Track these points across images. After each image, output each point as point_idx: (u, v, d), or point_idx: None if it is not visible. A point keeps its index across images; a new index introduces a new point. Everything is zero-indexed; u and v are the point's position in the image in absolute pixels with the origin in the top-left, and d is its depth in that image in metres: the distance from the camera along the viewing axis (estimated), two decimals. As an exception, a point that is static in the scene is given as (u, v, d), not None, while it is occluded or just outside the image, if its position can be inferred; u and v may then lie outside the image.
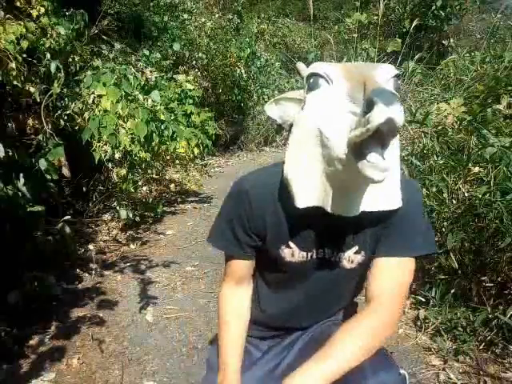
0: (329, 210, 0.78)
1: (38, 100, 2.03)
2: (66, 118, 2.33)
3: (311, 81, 0.76)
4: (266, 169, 0.95)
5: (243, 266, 0.97)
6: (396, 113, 0.58)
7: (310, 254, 0.91)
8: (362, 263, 0.90)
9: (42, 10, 2.10)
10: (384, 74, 0.71)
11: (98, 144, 2.35)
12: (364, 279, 0.93)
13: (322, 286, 0.95)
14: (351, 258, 0.89)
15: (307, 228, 0.88)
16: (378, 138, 0.62)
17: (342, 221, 0.80)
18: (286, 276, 0.97)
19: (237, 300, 0.99)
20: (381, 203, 0.80)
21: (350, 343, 0.78)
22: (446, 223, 1.81)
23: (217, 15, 8.06)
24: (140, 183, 2.98)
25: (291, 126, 0.84)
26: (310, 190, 0.79)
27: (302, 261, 0.92)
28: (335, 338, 0.79)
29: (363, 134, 0.61)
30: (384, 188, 0.79)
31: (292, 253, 0.91)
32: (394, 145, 0.75)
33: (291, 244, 0.91)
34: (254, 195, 0.89)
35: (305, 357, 0.83)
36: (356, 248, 0.89)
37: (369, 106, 0.60)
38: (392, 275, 0.84)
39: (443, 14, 6.91)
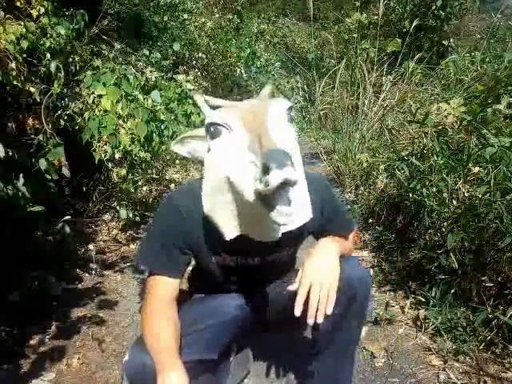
0: (253, 237, 0.89)
1: (39, 100, 2.03)
2: (65, 117, 2.33)
3: (212, 130, 0.83)
4: (191, 185, 1.02)
5: (174, 287, 1.00)
6: (289, 173, 0.68)
7: (239, 259, 1.02)
8: (294, 252, 1.11)
9: (42, 9, 2.09)
10: (277, 113, 0.81)
11: (98, 144, 2.35)
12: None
13: (266, 268, 1.06)
14: (284, 254, 1.06)
15: (235, 243, 0.94)
16: (281, 188, 0.71)
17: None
18: (222, 274, 1.06)
19: (170, 313, 0.98)
20: (296, 221, 0.92)
21: (341, 241, 1.05)
22: (446, 223, 1.81)
23: (217, 15, 8.07)
24: (140, 183, 2.97)
25: (201, 161, 0.92)
26: (231, 225, 0.89)
27: (233, 264, 1.02)
28: (326, 240, 1.04)
29: (267, 193, 0.71)
30: (297, 206, 0.86)
31: (224, 259, 1.02)
32: (297, 161, 0.83)
33: (223, 254, 1.01)
34: (187, 213, 0.97)
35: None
36: (286, 249, 1.05)
37: (265, 169, 0.69)
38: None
39: (443, 13, 6.90)
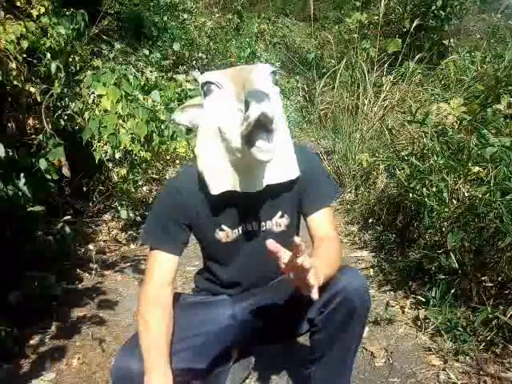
0: (239, 189, 0.95)
1: (39, 100, 2.03)
2: (65, 117, 2.33)
3: (205, 88, 0.93)
4: (187, 167, 1.11)
5: (172, 264, 1.03)
6: (266, 107, 0.76)
7: (240, 229, 1.05)
8: (289, 225, 1.09)
9: (42, 9, 2.10)
10: (261, 74, 0.89)
11: (98, 144, 2.35)
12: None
13: (262, 251, 1.07)
14: (278, 222, 1.07)
15: (232, 208, 1.02)
16: (260, 127, 0.80)
17: (257, 196, 0.98)
18: (227, 253, 1.09)
19: (165, 300, 1.00)
20: (281, 175, 0.99)
21: (331, 254, 0.99)
22: (446, 223, 1.81)
23: (217, 15, 8.07)
24: (140, 183, 2.97)
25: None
26: (219, 178, 0.95)
27: (236, 237, 1.06)
28: (320, 255, 0.96)
29: (247, 128, 0.80)
30: (282, 162, 0.98)
31: (226, 234, 1.05)
32: (280, 126, 0.93)
33: (224, 227, 1.04)
34: (184, 188, 1.03)
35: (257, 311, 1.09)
36: (279, 213, 1.07)
37: (246, 105, 0.78)
38: (326, 222, 1.08)
39: (443, 13, 6.91)
